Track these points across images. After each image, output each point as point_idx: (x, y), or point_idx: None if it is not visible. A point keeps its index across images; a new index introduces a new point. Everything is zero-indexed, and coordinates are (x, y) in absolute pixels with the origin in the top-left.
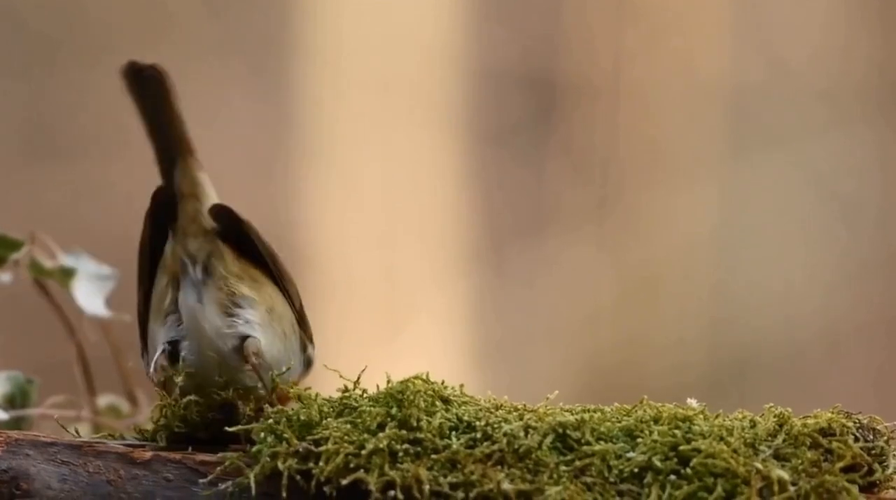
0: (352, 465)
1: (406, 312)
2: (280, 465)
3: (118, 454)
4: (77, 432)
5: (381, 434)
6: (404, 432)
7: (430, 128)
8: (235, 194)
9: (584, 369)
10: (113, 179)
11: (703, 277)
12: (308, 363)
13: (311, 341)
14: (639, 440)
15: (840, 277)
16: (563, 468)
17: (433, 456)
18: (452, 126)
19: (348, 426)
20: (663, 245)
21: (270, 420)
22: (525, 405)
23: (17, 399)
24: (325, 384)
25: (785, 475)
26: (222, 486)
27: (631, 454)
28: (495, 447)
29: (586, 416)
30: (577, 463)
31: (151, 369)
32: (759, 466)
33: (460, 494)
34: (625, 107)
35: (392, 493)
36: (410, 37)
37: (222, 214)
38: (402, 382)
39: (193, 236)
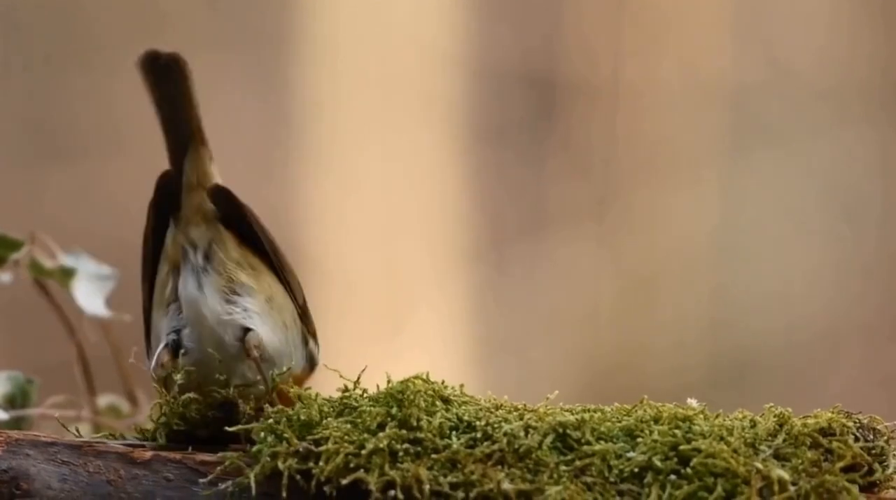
0: (352, 465)
1: (406, 310)
2: (280, 465)
3: (118, 453)
4: (77, 432)
5: (381, 434)
6: (404, 431)
7: (430, 126)
8: (235, 192)
9: (585, 367)
10: (113, 180)
11: (703, 276)
12: (311, 359)
13: (313, 337)
14: (639, 439)
15: (841, 276)
16: (563, 467)
17: (433, 456)
18: (452, 125)
19: (348, 425)
20: (663, 244)
21: (270, 420)
22: (525, 405)
23: (17, 399)
24: (325, 384)
25: (785, 474)
26: (222, 486)
27: (631, 454)
28: (495, 446)
29: (586, 416)
30: (578, 463)
31: (153, 364)
32: (760, 466)
33: (460, 494)
34: (625, 106)
35: (392, 493)
36: (410, 36)
37: (220, 195)
38: (402, 382)
39: (196, 225)
